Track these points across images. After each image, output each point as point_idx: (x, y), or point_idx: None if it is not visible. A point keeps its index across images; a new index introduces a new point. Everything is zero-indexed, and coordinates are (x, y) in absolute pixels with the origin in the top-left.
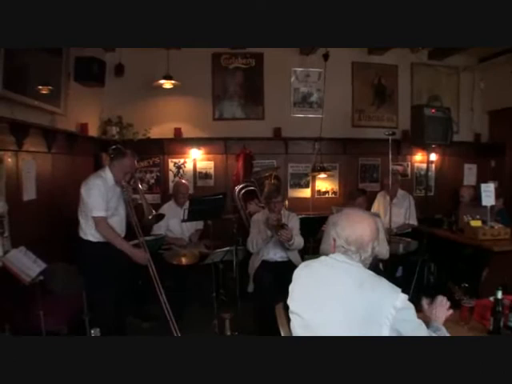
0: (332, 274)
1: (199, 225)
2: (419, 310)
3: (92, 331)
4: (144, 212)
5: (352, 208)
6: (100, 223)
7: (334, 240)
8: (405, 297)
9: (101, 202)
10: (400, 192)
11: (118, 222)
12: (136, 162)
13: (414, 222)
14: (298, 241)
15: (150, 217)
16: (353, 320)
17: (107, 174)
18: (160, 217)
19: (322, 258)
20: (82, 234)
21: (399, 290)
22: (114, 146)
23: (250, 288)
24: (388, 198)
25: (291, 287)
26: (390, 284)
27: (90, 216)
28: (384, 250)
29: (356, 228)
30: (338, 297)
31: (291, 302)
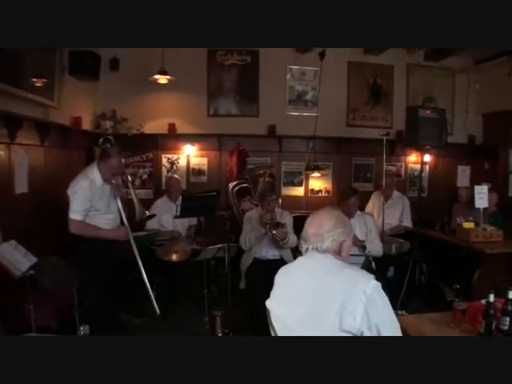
0: (301, 270)
1: (192, 221)
2: (411, 310)
3: (81, 328)
4: (135, 210)
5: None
6: (73, 225)
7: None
8: (376, 284)
9: (81, 206)
10: (396, 193)
11: (112, 220)
12: (123, 159)
13: (408, 223)
14: (292, 239)
15: (143, 217)
16: (324, 310)
17: (95, 175)
18: (151, 217)
19: (298, 258)
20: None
21: (371, 276)
22: (102, 139)
23: (242, 285)
24: (382, 198)
25: (272, 290)
26: (361, 271)
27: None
28: (378, 248)
29: (311, 225)
30: (307, 290)
31: (268, 301)
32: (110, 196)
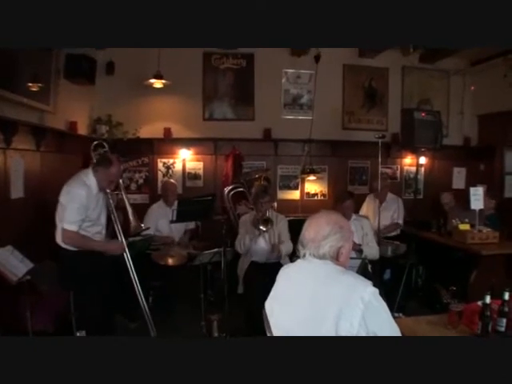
0: (300, 274)
1: (190, 225)
2: (407, 313)
3: (78, 334)
4: (130, 222)
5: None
6: (68, 236)
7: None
8: (374, 290)
9: (77, 216)
10: (390, 196)
11: (98, 232)
12: (122, 167)
13: (400, 221)
14: (287, 248)
15: (138, 231)
16: (321, 315)
17: (91, 181)
18: (145, 230)
19: (298, 260)
20: (59, 241)
21: (369, 282)
22: (95, 143)
23: (240, 289)
24: (377, 201)
25: (272, 290)
26: (359, 277)
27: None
28: (374, 251)
29: (308, 230)
30: (305, 294)
31: (267, 301)
32: (103, 206)
